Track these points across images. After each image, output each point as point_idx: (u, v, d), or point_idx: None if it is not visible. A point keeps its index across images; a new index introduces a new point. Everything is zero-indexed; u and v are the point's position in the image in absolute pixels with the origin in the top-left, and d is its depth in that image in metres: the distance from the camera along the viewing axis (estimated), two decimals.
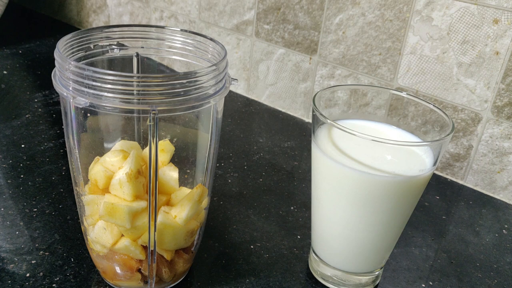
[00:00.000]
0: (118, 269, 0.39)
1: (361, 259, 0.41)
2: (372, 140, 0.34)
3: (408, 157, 0.37)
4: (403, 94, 0.42)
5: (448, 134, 0.35)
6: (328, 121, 0.36)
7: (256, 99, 0.81)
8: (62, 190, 0.52)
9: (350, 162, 0.36)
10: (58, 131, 0.64)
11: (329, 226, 0.41)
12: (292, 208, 0.54)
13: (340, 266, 0.42)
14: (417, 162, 0.37)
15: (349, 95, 0.43)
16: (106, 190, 0.37)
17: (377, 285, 0.44)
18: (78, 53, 0.38)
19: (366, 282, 0.43)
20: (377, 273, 0.43)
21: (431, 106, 0.40)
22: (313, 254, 0.44)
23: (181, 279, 0.42)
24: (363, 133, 0.34)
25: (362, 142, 0.34)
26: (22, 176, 0.54)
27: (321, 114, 0.37)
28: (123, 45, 0.41)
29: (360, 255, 0.41)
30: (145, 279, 0.39)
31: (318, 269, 0.44)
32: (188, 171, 0.42)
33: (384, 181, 0.35)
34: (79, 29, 0.85)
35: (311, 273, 0.45)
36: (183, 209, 0.37)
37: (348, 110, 0.43)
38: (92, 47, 0.39)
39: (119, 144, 0.40)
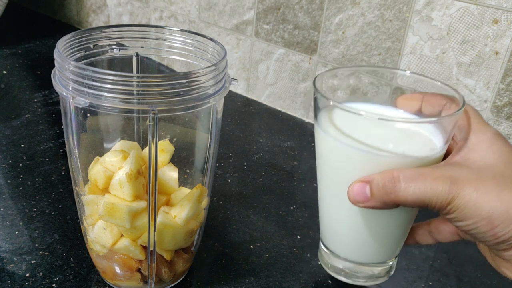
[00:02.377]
0: (118, 269, 0.39)
1: (373, 248, 0.39)
2: (379, 119, 0.31)
3: (416, 137, 0.35)
4: (407, 73, 0.39)
5: (460, 109, 0.33)
6: (331, 102, 0.33)
7: (255, 99, 0.81)
8: (62, 190, 0.52)
9: (356, 143, 0.34)
10: (58, 131, 0.64)
11: (337, 214, 0.39)
12: (291, 208, 0.54)
13: (351, 257, 0.40)
14: (427, 142, 0.34)
15: (351, 77, 0.40)
16: (106, 190, 0.37)
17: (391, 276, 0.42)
18: (78, 53, 0.38)
19: (380, 273, 0.41)
20: (390, 263, 0.41)
21: (439, 84, 0.37)
22: (323, 247, 0.42)
23: (181, 279, 0.42)
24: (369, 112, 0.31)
25: (368, 123, 0.32)
26: (21, 176, 0.54)
27: (323, 96, 0.34)
28: (122, 45, 0.41)
29: (371, 244, 0.39)
30: (144, 279, 0.39)
31: (329, 262, 0.42)
32: (188, 171, 0.42)
33: (393, 163, 0.33)
34: (79, 29, 0.85)
35: (319, 268, 0.45)
36: (183, 209, 0.37)
37: (350, 93, 0.40)
38: (92, 47, 0.39)
39: (119, 144, 0.40)
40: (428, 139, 0.35)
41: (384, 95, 0.40)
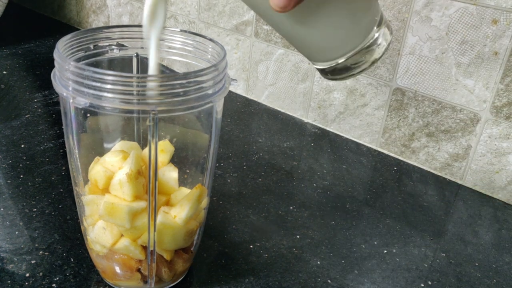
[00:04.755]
0: (118, 269, 0.39)
1: (341, 33, 0.34)
2: None
3: None
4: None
5: None
6: None
7: (255, 99, 0.81)
8: (62, 190, 0.52)
9: None
10: (58, 131, 0.64)
11: (290, 29, 0.34)
12: (291, 208, 0.54)
13: (332, 55, 0.35)
14: None
15: None
16: (106, 190, 0.37)
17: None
18: (78, 53, 0.38)
19: (368, 52, 0.36)
20: (371, 39, 0.35)
21: None
22: (315, 65, 0.37)
23: (181, 278, 0.42)
24: None
25: None
26: (21, 176, 0.54)
27: None
28: (122, 45, 0.41)
29: (338, 31, 0.34)
30: (144, 279, 0.39)
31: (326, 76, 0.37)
32: (188, 171, 0.42)
33: None
34: (78, 29, 0.85)
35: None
36: (183, 209, 0.37)
37: None
38: (92, 48, 0.39)
39: (119, 145, 0.40)
40: None
41: None
